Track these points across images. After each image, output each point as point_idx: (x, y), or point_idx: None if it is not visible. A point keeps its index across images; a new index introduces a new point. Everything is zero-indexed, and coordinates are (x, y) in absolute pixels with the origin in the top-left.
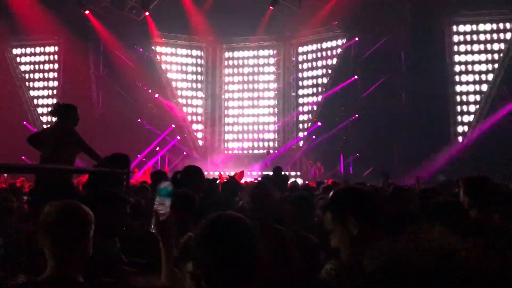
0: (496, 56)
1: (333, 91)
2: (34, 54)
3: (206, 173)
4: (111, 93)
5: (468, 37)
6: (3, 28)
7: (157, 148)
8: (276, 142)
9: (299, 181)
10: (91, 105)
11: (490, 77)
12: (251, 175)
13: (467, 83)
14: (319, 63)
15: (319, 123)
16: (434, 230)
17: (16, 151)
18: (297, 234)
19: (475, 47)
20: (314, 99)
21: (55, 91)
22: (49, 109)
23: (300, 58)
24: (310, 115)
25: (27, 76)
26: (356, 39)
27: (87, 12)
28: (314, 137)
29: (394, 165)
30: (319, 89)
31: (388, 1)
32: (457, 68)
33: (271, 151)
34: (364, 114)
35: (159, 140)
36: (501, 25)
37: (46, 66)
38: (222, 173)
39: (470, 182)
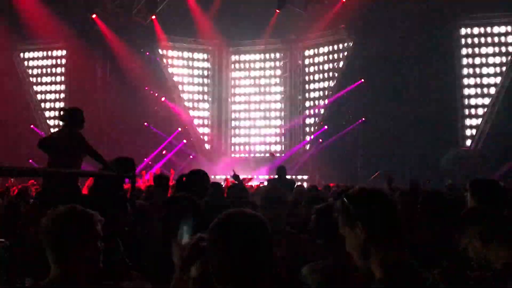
0: (504, 59)
1: (339, 94)
2: (42, 58)
3: (212, 176)
4: (117, 96)
5: (476, 40)
6: (11, 32)
7: (164, 152)
8: (283, 146)
9: (305, 184)
10: (98, 109)
11: (499, 80)
12: (258, 179)
13: (476, 86)
14: (326, 66)
15: (326, 127)
16: None
17: (23, 154)
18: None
19: (483, 50)
20: (321, 102)
21: (62, 95)
22: (57, 112)
23: (307, 61)
24: (316, 119)
25: (34, 80)
26: (363, 42)
27: (94, 16)
28: (320, 140)
29: (402, 169)
30: (326, 92)
31: (395, 4)
32: (465, 71)
33: (277, 154)
34: (371, 118)
35: (166, 143)
36: (509, 28)
37: (53, 70)
38: (229, 177)
39: (477, 186)
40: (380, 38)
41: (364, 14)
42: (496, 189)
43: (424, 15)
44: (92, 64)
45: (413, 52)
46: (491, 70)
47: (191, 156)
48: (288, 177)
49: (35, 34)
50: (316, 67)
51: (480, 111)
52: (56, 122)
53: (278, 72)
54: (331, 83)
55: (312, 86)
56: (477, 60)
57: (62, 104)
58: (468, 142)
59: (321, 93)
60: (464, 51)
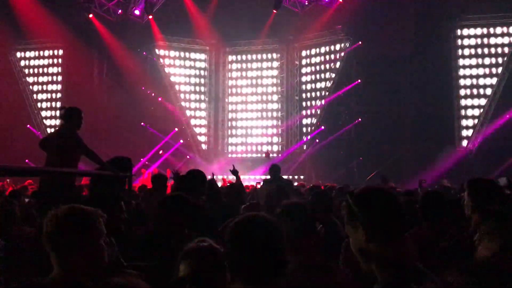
0: (500, 60)
1: (336, 95)
2: (38, 58)
3: (209, 177)
4: (114, 96)
5: (472, 41)
6: (7, 32)
7: (161, 152)
8: (280, 146)
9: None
10: (94, 109)
11: (495, 80)
12: (255, 179)
13: (472, 86)
14: (323, 67)
15: (323, 127)
16: None
17: (20, 154)
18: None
19: (480, 51)
20: (318, 102)
21: (59, 95)
22: (53, 112)
23: (304, 61)
24: (313, 119)
25: (31, 79)
26: (360, 43)
27: (91, 15)
28: (317, 140)
29: (398, 169)
30: (323, 92)
31: (392, 4)
32: (461, 72)
33: (273, 155)
34: (368, 118)
35: (163, 143)
36: (505, 29)
37: (50, 70)
38: (225, 177)
39: (475, 186)
40: (376, 39)
41: (360, 14)
42: (493, 188)
43: (420, 16)
44: (88, 64)
45: (410, 53)
46: (487, 70)
47: (187, 156)
48: (285, 177)
49: (31, 33)
50: (312, 68)
51: (476, 112)
52: (53, 122)
53: (275, 72)
54: (328, 84)
55: (308, 86)
56: (473, 61)
57: (58, 104)
58: (464, 143)
59: (318, 93)
60: (460, 52)
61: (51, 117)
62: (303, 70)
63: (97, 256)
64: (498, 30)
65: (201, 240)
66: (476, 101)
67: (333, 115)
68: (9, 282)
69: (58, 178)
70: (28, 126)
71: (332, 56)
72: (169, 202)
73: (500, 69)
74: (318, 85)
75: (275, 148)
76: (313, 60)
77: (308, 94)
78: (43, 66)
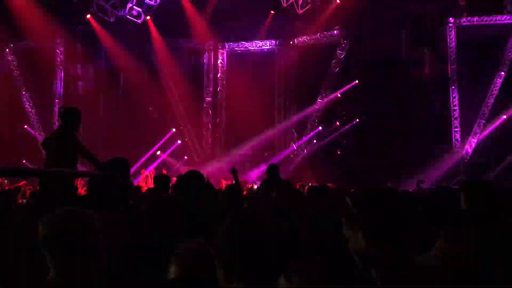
0: (498, 61)
1: (334, 95)
2: (35, 58)
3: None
4: (111, 96)
5: (470, 41)
6: (4, 32)
7: (158, 152)
8: (277, 147)
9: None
10: (92, 109)
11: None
12: (252, 180)
13: (469, 87)
14: (320, 68)
15: (320, 128)
16: None
17: (17, 154)
18: None
19: (477, 51)
20: (315, 103)
21: (56, 95)
22: (50, 113)
23: (301, 62)
24: (311, 120)
25: (27, 79)
26: (357, 43)
27: (88, 16)
28: (315, 141)
29: (395, 170)
30: (320, 93)
31: (389, 5)
32: (458, 73)
33: (267, 156)
34: (365, 119)
35: (160, 144)
36: (503, 30)
37: (47, 70)
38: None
39: (471, 187)
40: (374, 40)
41: (358, 15)
42: (490, 190)
43: (417, 17)
44: (86, 64)
45: (407, 54)
46: (484, 71)
47: (185, 157)
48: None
49: (28, 33)
50: (310, 68)
51: (473, 113)
52: (50, 122)
53: (273, 73)
54: (326, 84)
55: (306, 87)
56: (471, 62)
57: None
58: (462, 143)
59: (316, 94)
60: (457, 52)
61: (48, 118)
62: (301, 71)
63: (94, 259)
64: (496, 31)
65: (192, 240)
66: (473, 102)
67: (330, 116)
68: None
69: (56, 179)
70: (25, 126)
71: (330, 57)
72: (161, 205)
73: (497, 70)
74: (316, 85)
75: (272, 148)
76: (311, 60)
77: (306, 95)
78: (40, 66)
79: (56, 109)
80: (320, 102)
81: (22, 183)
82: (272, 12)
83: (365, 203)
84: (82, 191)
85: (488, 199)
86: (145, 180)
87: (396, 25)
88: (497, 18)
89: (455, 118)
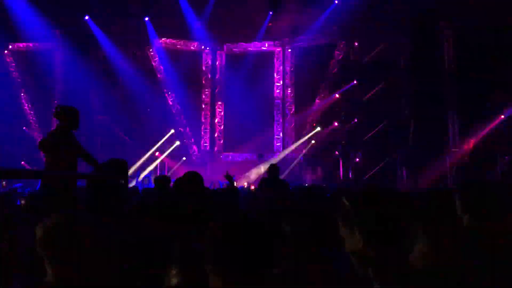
0: (495, 60)
1: (332, 96)
2: (33, 59)
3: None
4: (110, 97)
5: (467, 41)
6: (1, 34)
7: (157, 153)
8: (276, 147)
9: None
10: (90, 110)
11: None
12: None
13: (467, 87)
14: (319, 68)
15: (319, 128)
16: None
17: (15, 156)
18: None
19: (475, 51)
20: (313, 104)
21: (54, 96)
22: (48, 114)
23: (300, 62)
24: (309, 120)
25: (25, 81)
26: (355, 44)
27: (86, 17)
28: (313, 142)
29: (394, 170)
30: (319, 94)
31: (387, 6)
32: (456, 72)
33: (264, 157)
34: (364, 120)
35: (158, 145)
36: (500, 29)
37: (44, 71)
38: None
39: (465, 187)
40: (372, 40)
41: (356, 15)
42: (484, 190)
43: (416, 18)
44: (83, 66)
45: (406, 54)
46: (482, 71)
47: (183, 158)
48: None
49: (26, 35)
50: (309, 69)
51: (471, 112)
52: (48, 123)
53: (271, 73)
54: (324, 85)
55: (305, 87)
56: (469, 62)
57: (54, 106)
58: (459, 143)
59: (314, 94)
60: (455, 52)
61: (46, 119)
62: (299, 71)
63: (92, 263)
64: (493, 30)
65: (192, 243)
66: (472, 101)
67: (329, 116)
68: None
69: (57, 181)
70: (23, 128)
71: (328, 57)
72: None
73: (495, 69)
74: (314, 86)
75: (271, 149)
76: (309, 61)
77: (304, 95)
78: (38, 68)
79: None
80: (318, 103)
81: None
82: (270, 12)
83: (362, 203)
84: None
85: (484, 199)
86: None
87: (395, 24)
88: None
89: (453, 118)
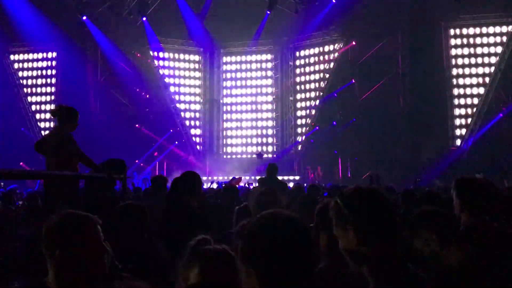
0: (493, 60)
1: (331, 95)
2: (32, 60)
3: (204, 178)
4: (109, 98)
5: (465, 41)
6: (1, 34)
7: (156, 153)
8: (275, 146)
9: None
10: (89, 110)
11: (487, 80)
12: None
13: (465, 86)
14: (317, 67)
15: (317, 127)
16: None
17: (14, 157)
18: None
19: (472, 50)
20: (312, 103)
21: (53, 97)
22: (47, 115)
23: (298, 62)
24: (308, 119)
25: (24, 82)
26: (353, 43)
27: (84, 18)
28: (312, 141)
29: (393, 168)
30: (317, 93)
31: (385, 5)
32: (454, 71)
33: (268, 155)
34: (362, 118)
35: (157, 145)
36: (497, 29)
37: (44, 72)
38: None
39: (463, 184)
40: (370, 39)
41: (354, 14)
42: (481, 188)
43: (413, 17)
44: (82, 66)
45: (404, 53)
46: (479, 70)
47: (182, 157)
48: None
49: (25, 36)
50: (307, 68)
51: (469, 111)
52: (47, 124)
53: (270, 73)
54: (322, 84)
55: (303, 86)
56: (466, 61)
57: (53, 107)
58: (458, 142)
59: (312, 93)
60: (453, 51)
61: (45, 120)
62: (298, 71)
63: (93, 262)
64: (491, 29)
65: (204, 239)
66: (469, 100)
67: (327, 115)
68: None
69: (59, 182)
70: (22, 129)
71: (326, 57)
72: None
73: (492, 69)
74: (313, 85)
75: (270, 148)
76: (307, 60)
77: (303, 95)
78: (37, 69)
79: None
80: (317, 102)
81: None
82: (268, 12)
83: (355, 202)
84: None
85: (480, 196)
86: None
87: (393, 23)
88: None
89: (453, 117)
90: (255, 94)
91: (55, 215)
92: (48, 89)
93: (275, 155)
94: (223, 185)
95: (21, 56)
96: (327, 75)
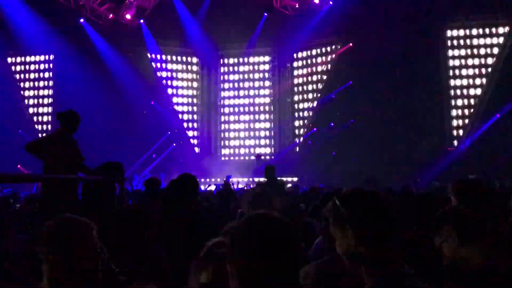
0: (489, 61)
1: (328, 96)
2: (30, 63)
3: (202, 180)
4: (106, 100)
5: (461, 42)
6: (1, 38)
7: (153, 156)
8: (272, 148)
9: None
10: (87, 113)
11: (485, 81)
12: (247, 181)
13: (461, 87)
14: (314, 69)
15: (315, 129)
16: None
17: (11, 160)
18: None
19: (469, 52)
20: (310, 104)
21: (50, 100)
22: (44, 117)
23: (295, 64)
24: (305, 121)
25: (22, 84)
26: (350, 44)
27: (82, 20)
28: (310, 142)
29: (391, 170)
30: (315, 94)
31: (381, 7)
32: (450, 73)
33: (267, 157)
34: (360, 119)
35: (155, 147)
36: (493, 30)
37: (42, 75)
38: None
39: (460, 186)
40: (367, 41)
41: (351, 17)
42: (478, 189)
43: (410, 17)
44: (79, 69)
45: (400, 54)
46: (476, 71)
47: (180, 160)
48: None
49: (22, 39)
50: (304, 70)
51: (467, 112)
52: (44, 127)
53: (267, 75)
54: (320, 86)
55: (301, 88)
56: (463, 62)
57: (50, 109)
58: (455, 143)
59: (310, 95)
60: (450, 52)
61: (42, 122)
62: (295, 73)
63: (87, 267)
64: (487, 30)
65: (219, 242)
66: (466, 101)
67: (325, 117)
68: None
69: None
70: (19, 131)
71: (324, 58)
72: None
73: (489, 70)
74: (310, 87)
75: (268, 150)
76: (305, 62)
77: (300, 96)
78: (34, 71)
79: (51, 114)
80: (314, 103)
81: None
82: (266, 14)
83: (355, 203)
84: None
85: (478, 197)
86: None
87: (390, 25)
88: None
89: (450, 117)
90: (252, 96)
91: (50, 219)
92: (46, 92)
93: (273, 157)
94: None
95: (19, 59)
96: (325, 77)
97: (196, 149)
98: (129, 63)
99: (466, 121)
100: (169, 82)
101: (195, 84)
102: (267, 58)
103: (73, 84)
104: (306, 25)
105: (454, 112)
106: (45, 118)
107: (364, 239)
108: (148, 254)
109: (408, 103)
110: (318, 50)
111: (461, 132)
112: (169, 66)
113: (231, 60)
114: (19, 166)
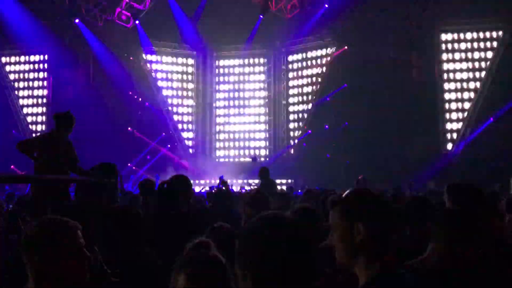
0: (483, 64)
1: (323, 99)
2: (23, 63)
3: (196, 181)
4: (101, 101)
5: (456, 46)
6: None
7: (148, 157)
8: (267, 150)
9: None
10: (81, 114)
11: (478, 84)
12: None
13: (456, 90)
14: (309, 72)
15: (310, 131)
16: None
17: (5, 160)
18: None
19: (463, 55)
20: (305, 107)
21: (44, 100)
22: (39, 118)
23: (290, 66)
24: (300, 123)
25: (16, 85)
26: (346, 47)
27: (76, 20)
28: (305, 144)
29: (385, 173)
30: (310, 97)
31: (376, 10)
32: (445, 76)
33: (259, 159)
34: (354, 122)
35: (150, 148)
36: (487, 34)
37: (36, 75)
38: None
39: (455, 189)
40: (362, 44)
41: (346, 19)
42: (473, 192)
43: (405, 20)
44: (74, 69)
45: (395, 57)
46: (470, 75)
47: (175, 161)
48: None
49: (16, 39)
50: (299, 72)
51: (461, 116)
52: (38, 127)
53: (262, 77)
54: (315, 88)
55: (296, 91)
56: (457, 66)
57: (44, 110)
58: (449, 146)
59: (305, 97)
60: (444, 56)
61: (36, 123)
62: (290, 75)
63: (73, 269)
64: (481, 34)
65: (200, 246)
66: (460, 105)
67: (320, 119)
68: None
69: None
70: (13, 131)
71: (319, 61)
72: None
73: (483, 73)
74: (305, 89)
75: (263, 152)
76: (300, 64)
77: (295, 99)
78: (28, 71)
79: (45, 114)
80: (309, 106)
81: None
82: (261, 16)
83: (366, 201)
84: None
85: (471, 200)
86: None
87: (384, 28)
88: None
89: (444, 121)
90: (247, 97)
91: (35, 221)
92: (40, 92)
93: (267, 159)
94: (214, 189)
95: (13, 59)
96: (320, 79)
97: (191, 150)
98: (124, 64)
99: (460, 124)
100: (164, 83)
101: (190, 86)
102: (262, 60)
103: (67, 85)
104: (301, 28)
105: (448, 116)
106: (39, 119)
107: (371, 238)
108: (140, 255)
109: (402, 106)
110: (313, 53)
111: (454, 135)
112: (165, 67)
113: (226, 62)
114: (12, 166)
